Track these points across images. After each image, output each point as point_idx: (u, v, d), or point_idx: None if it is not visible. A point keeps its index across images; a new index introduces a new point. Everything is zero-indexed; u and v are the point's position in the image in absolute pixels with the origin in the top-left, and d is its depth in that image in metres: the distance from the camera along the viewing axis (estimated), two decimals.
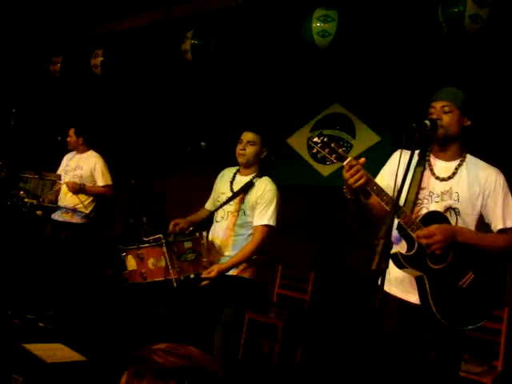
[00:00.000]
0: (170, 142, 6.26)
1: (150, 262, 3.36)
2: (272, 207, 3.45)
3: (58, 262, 5.19)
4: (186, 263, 3.34)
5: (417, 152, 2.60)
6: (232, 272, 3.43)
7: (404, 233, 2.44)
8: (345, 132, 5.25)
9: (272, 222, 3.44)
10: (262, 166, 3.63)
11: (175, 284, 3.26)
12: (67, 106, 7.13)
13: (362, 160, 2.38)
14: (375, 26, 4.25)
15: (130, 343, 4.13)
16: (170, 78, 6.14)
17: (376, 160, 2.89)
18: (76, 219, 5.27)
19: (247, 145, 3.53)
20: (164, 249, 3.30)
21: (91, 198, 5.33)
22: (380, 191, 2.39)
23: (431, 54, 4.40)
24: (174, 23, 5.53)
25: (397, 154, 2.67)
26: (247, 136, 3.55)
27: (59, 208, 5.27)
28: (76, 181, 5.26)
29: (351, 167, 2.35)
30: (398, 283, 2.54)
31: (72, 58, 6.65)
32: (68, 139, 5.45)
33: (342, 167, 2.41)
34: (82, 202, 5.24)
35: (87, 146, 5.46)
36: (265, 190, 3.49)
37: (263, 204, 3.46)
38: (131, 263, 3.43)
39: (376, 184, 2.40)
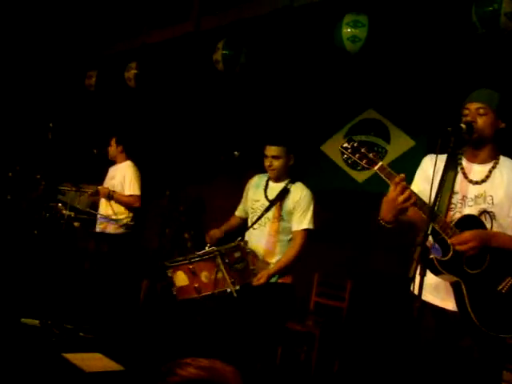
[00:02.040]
0: (203, 153, 6.29)
1: (204, 276, 3.38)
2: (310, 211, 3.58)
3: (97, 273, 5.28)
4: (237, 273, 3.40)
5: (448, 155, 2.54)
6: (273, 279, 3.51)
7: (439, 238, 2.38)
8: (379, 137, 5.18)
9: (311, 226, 3.58)
10: (293, 172, 3.71)
11: (235, 294, 3.30)
12: (103, 119, 7.25)
13: (402, 176, 2.32)
14: (406, 29, 4.20)
15: (167, 353, 4.16)
16: (202, 88, 6.18)
17: (411, 165, 2.84)
18: (113, 229, 5.33)
19: (272, 160, 3.64)
20: (219, 260, 3.34)
21: (128, 211, 5.36)
22: (423, 204, 2.32)
23: (465, 55, 4.31)
24: (205, 34, 5.59)
25: (428, 159, 2.63)
26: (270, 151, 3.65)
27: (99, 220, 5.34)
28: (106, 187, 5.34)
29: (397, 187, 2.28)
30: (433, 290, 2.48)
31: (106, 72, 6.78)
32: (109, 148, 5.50)
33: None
34: (120, 213, 5.30)
35: (126, 155, 5.50)
36: (301, 195, 3.60)
37: (301, 209, 3.57)
38: (181, 278, 3.44)
39: (420, 198, 2.33)
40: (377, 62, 4.76)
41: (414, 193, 2.33)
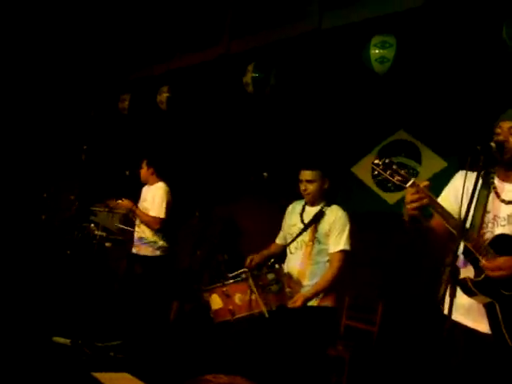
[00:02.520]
0: (233, 173, 6.33)
1: (237, 298, 3.40)
2: (346, 232, 3.58)
3: (129, 294, 5.29)
4: (271, 294, 3.40)
5: (481, 174, 2.50)
6: (312, 303, 3.50)
7: (471, 257, 2.33)
8: (410, 159, 5.14)
9: (348, 247, 3.57)
10: (328, 195, 3.71)
11: (267, 315, 3.30)
12: (135, 142, 7.37)
13: (426, 182, 2.32)
14: (435, 48, 4.17)
15: (196, 373, 4.14)
16: (232, 110, 6.24)
17: (443, 186, 2.80)
18: (149, 252, 5.25)
19: (307, 184, 3.65)
20: (251, 282, 3.36)
21: (163, 233, 5.26)
22: (445, 214, 2.31)
23: (496, 72, 4.26)
24: (236, 57, 5.66)
25: (459, 175, 2.59)
26: (305, 175, 3.67)
27: (137, 240, 5.36)
28: (130, 202, 5.25)
29: (413, 189, 2.29)
30: (465, 311, 2.41)
31: (139, 96, 6.92)
32: (140, 171, 5.45)
33: None
34: (147, 233, 5.28)
35: (157, 177, 5.42)
36: (336, 216, 3.61)
37: (337, 230, 3.58)
38: (216, 301, 3.47)
39: (442, 207, 2.32)
40: (406, 83, 4.75)
41: (435, 200, 2.32)
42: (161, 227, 5.16)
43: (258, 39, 5.45)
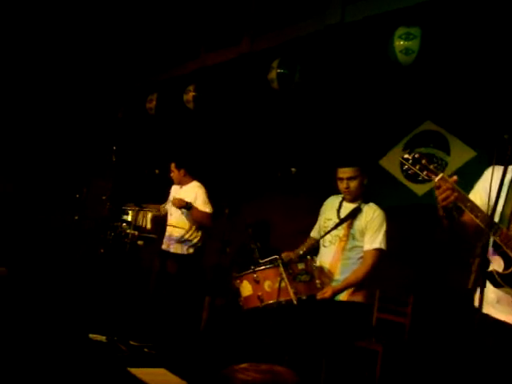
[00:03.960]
0: (261, 170, 6.35)
1: (267, 285, 3.43)
2: (382, 231, 3.58)
3: (163, 291, 5.37)
4: (300, 284, 3.42)
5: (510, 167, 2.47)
6: (342, 297, 3.52)
7: (500, 250, 2.32)
8: (439, 149, 5.09)
9: (383, 246, 3.57)
10: (366, 191, 3.72)
11: (295, 302, 3.32)
12: (164, 141, 7.46)
13: (454, 178, 2.33)
14: (460, 37, 4.12)
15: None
16: (258, 106, 6.26)
17: (473, 175, 2.78)
18: (183, 250, 5.33)
19: (349, 181, 3.63)
20: (281, 269, 3.38)
21: (197, 231, 5.36)
22: (474, 208, 2.31)
23: None
24: (260, 54, 5.69)
25: (489, 170, 2.57)
26: (346, 173, 3.64)
27: (167, 240, 5.42)
28: (179, 213, 5.31)
29: (441, 186, 2.30)
30: (496, 303, 2.41)
31: (166, 95, 7.00)
32: (171, 174, 5.47)
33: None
34: (190, 233, 5.33)
35: (190, 176, 5.49)
36: (374, 214, 3.61)
37: (373, 228, 3.57)
38: (247, 288, 3.50)
39: (470, 201, 2.32)
40: (432, 73, 4.70)
41: (464, 194, 2.31)
42: (211, 224, 5.27)
43: (282, 35, 5.47)
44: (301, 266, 3.47)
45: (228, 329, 5.26)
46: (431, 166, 2.37)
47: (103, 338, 5.15)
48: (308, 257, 3.57)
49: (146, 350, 5.09)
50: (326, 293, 3.41)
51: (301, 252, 3.70)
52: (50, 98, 7.46)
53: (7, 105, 7.19)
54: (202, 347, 5.13)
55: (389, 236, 3.88)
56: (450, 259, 4.63)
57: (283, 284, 3.35)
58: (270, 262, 3.49)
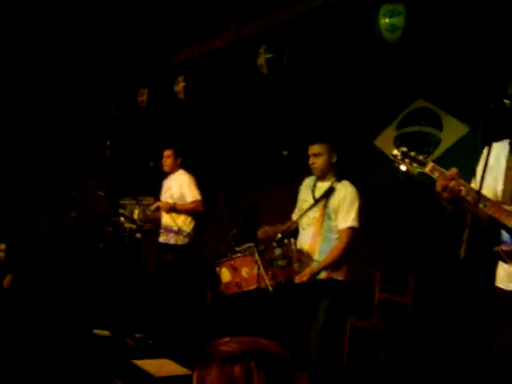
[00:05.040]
0: (252, 155, 6.35)
1: (244, 271, 3.51)
2: (354, 209, 3.56)
3: (163, 283, 5.40)
4: (278, 269, 3.49)
5: (507, 141, 2.41)
6: (322, 275, 3.52)
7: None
8: (431, 126, 5.08)
9: (356, 224, 3.54)
10: (339, 170, 3.72)
11: (271, 288, 3.35)
12: (157, 133, 7.45)
13: (454, 170, 2.27)
14: (446, 11, 4.09)
15: None
16: (249, 92, 6.24)
17: (467, 151, 2.78)
18: (179, 240, 5.34)
19: (314, 158, 3.69)
20: (256, 256, 3.43)
21: (189, 217, 5.39)
22: (480, 198, 2.21)
23: None
24: (247, 41, 5.66)
25: (485, 151, 2.53)
26: (312, 149, 3.72)
27: (161, 231, 5.45)
28: (169, 201, 5.37)
29: (442, 180, 2.25)
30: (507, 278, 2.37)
31: (157, 88, 6.99)
32: (167, 160, 5.48)
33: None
34: (179, 223, 5.37)
35: (180, 165, 5.52)
36: (346, 192, 3.60)
37: (346, 207, 3.57)
38: (226, 275, 3.58)
39: (476, 192, 2.20)
40: (420, 50, 4.68)
41: (467, 185, 2.25)
42: (203, 209, 5.31)
43: (268, 20, 5.44)
44: (278, 252, 3.52)
45: (230, 317, 5.28)
46: (420, 157, 2.38)
47: (107, 333, 5.18)
48: (285, 240, 3.58)
49: (150, 341, 5.11)
50: (304, 276, 3.42)
51: (279, 235, 3.66)
52: (43, 97, 7.46)
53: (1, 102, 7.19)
54: (205, 336, 5.15)
55: (385, 215, 3.88)
56: (447, 234, 4.63)
57: (260, 270, 3.39)
58: (246, 249, 3.55)
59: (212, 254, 5.42)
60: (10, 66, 7.15)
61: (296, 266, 3.48)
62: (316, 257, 3.56)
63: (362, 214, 3.59)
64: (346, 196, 3.57)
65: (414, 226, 5.03)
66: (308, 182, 3.88)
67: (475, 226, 2.17)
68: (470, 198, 2.24)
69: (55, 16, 7.06)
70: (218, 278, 3.65)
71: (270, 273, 3.41)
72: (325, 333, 3.45)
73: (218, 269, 3.64)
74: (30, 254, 6.63)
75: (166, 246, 5.40)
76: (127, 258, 5.64)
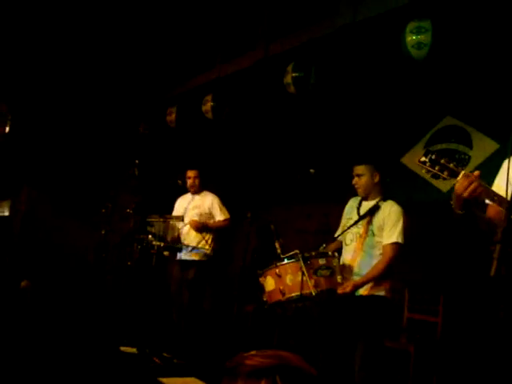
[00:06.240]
0: (280, 173, 6.36)
1: (288, 278, 3.54)
2: (399, 226, 3.68)
3: (188, 300, 5.42)
4: (321, 278, 3.53)
5: None
6: (363, 292, 3.61)
7: None
8: (461, 144, 5.02)
9: (400, 240, 3.66)
10: (383, 190, 3.88)
11: (313, 293, 3.42)
12: (185, 152, 7.53)
13: (477, 172, 2.28)
14: (473, 28, 4.07)
15: None
16: (276, 111, 6.28)
17: (497, 168, 2.73)
18: (200, 257, 5.48)
19: (357, 178, 3.84)
20: (301, 263, 3.48)
21: (212, 236, 5.54)
22: (502, 201, 2.24)
23: None
24: (275, 60, 5.71)
25: (506, 161, 2.51)
26: (356, 170, 3.88)
27: (184, 247, 5.52)
28: (196, 219, 5.50)
29: (465, 180, 2.25)
30: None
31: (185, 107, 7.08)
32: (193, 181, 5.66)
33: None
34: (206, 240, 5.48)
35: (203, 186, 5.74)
36: (391, 210, 3.73)
37: (391, 223, 3.69)
38: (270, 283, 3.64)
39: (497, 194, 2.26)
40: (448, 67, 4.65)
41: (488, 187, 2.26)
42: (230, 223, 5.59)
43: (295, 39, 5.48)
44: (322, 261, 3.58)
45: (257, 334, 5.25)
46: (451, 165, 2.32)
47: (134, 350, 5.19)
48: (329, 253, 3.68)
49: (175, 360, 5.11)
50: (347, 287, 3.50)
51: (323, 246, 3.83)
52: (74, 115, 7.63)
53: (30, 121, 7.37)
54: (231, 351, 5.12)
55: (414, 234, 3.89)
56: (475, 251, 4.55)
57: (304, 278, 3.44)
58: (291, 256, 3.59)
59: (238, 271, 5.45)
60: (44, 84, 7.34)
61: (339, 277, 3.56)
62: (356, 270, 3.67)
63: (406, 231, 3.70)
64: (391, 213, 3.70)
65: (443, 244, 4.96)
66: (353, 201, 4.01)
67: (506, 243, 2.13)
68: (490, 199, 2.26)
69: (87, 35, 7.25)
70: (261, 287, 3.72)
71: (313, 280, 3.46)
72: (370, 349, 3.47)
73: (262, 279, 3.70)
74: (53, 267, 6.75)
75: (189, 262, 5.49)
76: (155, 275, 5.67)
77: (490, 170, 4.55)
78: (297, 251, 3.55)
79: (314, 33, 5.24)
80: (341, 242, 3.96)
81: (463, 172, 2.28)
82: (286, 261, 3.60)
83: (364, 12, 4.70)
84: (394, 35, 4.48)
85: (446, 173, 2.33)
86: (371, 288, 3.60)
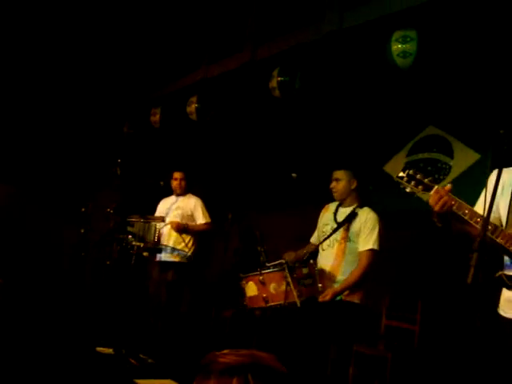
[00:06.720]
0: (261, 177, 6.37)
1: (272, 287, 3.61)
2: (375, 233, 3.76)
3: (166, 302, 5.39)
4: (304, 288, 3.61)
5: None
6: (338, 297, 3.69)
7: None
8: (442, 153, 5.07)
9: (376, 247, 3.73)
10: (360, 197, 3.94)
11: (299, 304, 3.49)
12: (169, 153, 7.51)
13: (448, 186, 2.35)
14: (458, 39, 4.12)
15: None
16: (260, 114, 6.29)
17: (477, 178, 2.78)
18: (180, 258, 5.47)
19: (335, 182, 3.93)
20: (286, 273, 3.53)
21: (193, 239, 5.53)
22: (473, 214, 2.28)
23: None
24: (261, 63, 5.72)
25: (494, 173, 2.53)
26: (334, 174, 3.97)
27: (163, 249, 5.49)
28: (177, 220, 5.47)
29: (436, 194, 2.31)
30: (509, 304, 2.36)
31: (169, 108, 7.06)
32: (179, 183, 5.64)
33: None
34: (186, 242, 5.47)
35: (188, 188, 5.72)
36: (367, 217, 3.80)
37: (367, 230, 3.76)
38: (252, 289, 3.68)
39: (468, 208, 2.30)
40: (432, 77, 4.70)
41: (460, 201, 2.29)
42: (212, 227, 5.59)
43: (282, 44, 5.50)
44: (305, 271, 3.65)
45: (235, 340, 5.23)
46: (426, 180, 2.39)
47: (111, 351, 5.14)
48: (311, 261, 3.74)
49: (150, 360, 5.07)
50: (327, 296, 3.58)
51: (304, 256, 3.85)
52: (55, 113, 7.56)
53: (12, 118, 7.30)
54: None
55: (394, 241, 3.95)
56: (456, 262, 4.58)
57: (288, 288, 3.50)
58: (277, 265, 3.65)
59: (217, 274, 5.44)
60: (24, 81, 7.28)
61: (320, 286, 3.64)
62: (339, 277, 3.74)
63: (382, 238, 3.79)
64: (367, 220, 3.77)
65: (421, 252, 4.99)
66: (330, 206, 4.07)
67: (483, 251, 2.15)
68: (460, 213, 2.29)
69: (71, 34, 7.20)
70: (242, 291, 3.73)
71: (297, 290, 3.52)
72: (340, 356, 3.53)
73: (243, 282, 3.73)
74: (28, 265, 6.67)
75: (168, 263, 5.48)
76: (134, 275, 5.63)
77: (470, 179, 4.63)
78: (282, 261, 3.61)
79: (301, 38, 5.26)
80: (315, 246, 4.00)
81: (436, 187, 2.34)
82: (271, 269, 3.64)
83: (350, 20, 4.74)
84: (379, 43, 4.52)
85: (420, 187, 2.40)
86: (346, 295, 3.68)
